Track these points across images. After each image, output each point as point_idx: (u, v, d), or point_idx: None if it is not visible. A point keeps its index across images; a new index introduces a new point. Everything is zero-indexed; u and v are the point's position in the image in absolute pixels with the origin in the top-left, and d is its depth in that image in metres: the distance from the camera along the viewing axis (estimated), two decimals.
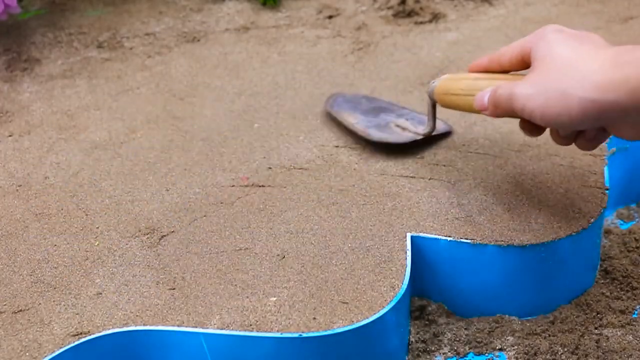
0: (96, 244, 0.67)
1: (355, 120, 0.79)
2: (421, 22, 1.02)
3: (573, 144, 0.62)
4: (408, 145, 0.75)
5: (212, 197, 0.72)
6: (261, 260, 0.65)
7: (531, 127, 0.62)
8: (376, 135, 0.76)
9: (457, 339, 0.66)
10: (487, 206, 0.68)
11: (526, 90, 0.56)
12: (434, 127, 0.73)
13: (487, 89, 0.62)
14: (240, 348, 0.59)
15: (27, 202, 0.73)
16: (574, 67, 0.54)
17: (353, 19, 1.04)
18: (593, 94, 0.52)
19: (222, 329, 0.58)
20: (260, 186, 0.73)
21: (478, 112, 0.63)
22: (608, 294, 0.70)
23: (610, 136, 0.60)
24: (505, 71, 0.63)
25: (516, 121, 0.62)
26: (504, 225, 0.66)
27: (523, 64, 0.61)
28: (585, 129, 0.58)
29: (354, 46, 0.97)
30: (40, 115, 0.86)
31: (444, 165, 0.74)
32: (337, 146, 0.78)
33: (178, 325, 0.59)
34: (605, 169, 0.72)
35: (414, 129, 0.77)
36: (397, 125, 0.78)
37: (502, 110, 0.59)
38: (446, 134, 0.77)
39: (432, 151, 0.76)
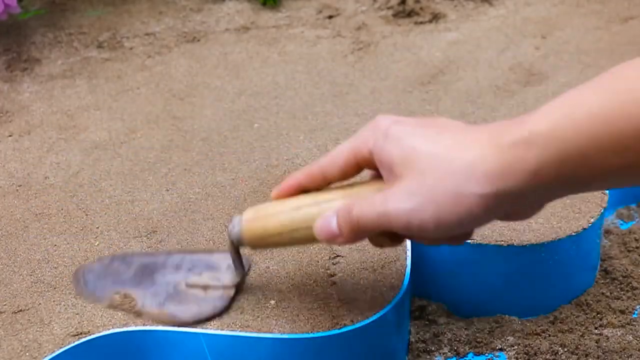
0: (96, 244, 0.67)
1: (139, 302, 0.60)
2: (421, 22, 1.02)
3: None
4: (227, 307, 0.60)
5: (212, 197, 0.72)
6: (261, 260, 0.65)
7: (393, 238, 0.52)
8: (180, 313, 0.59)
9: (457, 339, 0.66)
10: None
11: (405, 204, 0.47)
12: (244, 270, 0.60)
13: (326, 213, 0.51)
14: (240, 349, 0.59)
15: (27, 202, 0.73)
16: (451, 161, 0.46)
17: (353, 19, 1.04)
18: (490, 186, 0.44)
19: (222, 330, 0.58)
20: (260, 186, 0.73)
21: (324, 242, 0.52)
22: (608, 294, 0.70)
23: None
24: (329, 183, 0.53)
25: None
26: (504, 225, 0.66)
27: (358, 170, 0.52)
28: (485, 224, 0.49)
29: (354, 46, 0.97)
30: (40, 115, 0.86)
31: None
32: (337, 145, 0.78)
33: (178, 326, 0.59)
34: None
35: (217, 283, 0.61)
36: (191, 285, 0.61)
37: (365, 233, 0.50)
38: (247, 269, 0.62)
39: None
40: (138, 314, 0.59)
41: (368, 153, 0.50)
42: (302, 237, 0.53)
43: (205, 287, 0.60)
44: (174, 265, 0.63)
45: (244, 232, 0.54)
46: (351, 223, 0.50)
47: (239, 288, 0.60)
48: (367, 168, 0.52)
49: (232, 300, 0.60)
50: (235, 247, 0.57)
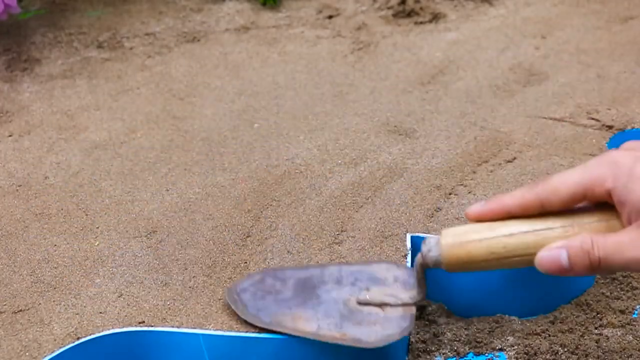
0: (96, 244, 0.67)
1: (314, 324, 0.57)
2: (421, 22, 1.02)
3: None
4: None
5: (212, 197, 0.72)
6: (261, 260, 0.65)
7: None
8: (365, 336, 0.56)
9: (457, 339, 0.66)
10: None
11: None
12: (425, 291, 0.57)
13: (552, 245, 0.49)
14: (240, 349, 0.59)
15: (27, 202, 0.73)
16: None
17: (353, 19, 1.04)
18: None
19: (221, 330, 0.58)
20: (259, 186, 0.73)
21: (546, 272, 0.50)
22: (608, 294, 0.70)
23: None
24: (540, 212, 0.51)
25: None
26: None
27: (582, 201, 0.50)
28: None
29: (354, 46, 0.97)
30: (40, 115, 0.86)
31: (444, 157, 0.74)
32: (337, 145, 0.78)
33: (177, 326, 0.59)
34: None
35: (393, 300, 0.57)
36: (364, 303, 0.57)
37: (603, 272, 0.49)
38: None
39: None
40: (316, 337, 0.56)
41: (604, 192, 0.49)
42: (513, 264, 0.51)
43: (381, 305, 0.57)
44: (334, 279, 0.59)
45: (445, 257, 0.52)
46: (591, 261, 0.48)
47: (419, 306, 0.58)
48: (589, 202, 0.51)
49: (415, 318, 0.57)
50: (423, 269, 0.55)
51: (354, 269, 0.60)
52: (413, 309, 0.57)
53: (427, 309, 0.68)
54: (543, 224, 0.50)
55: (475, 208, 0.52)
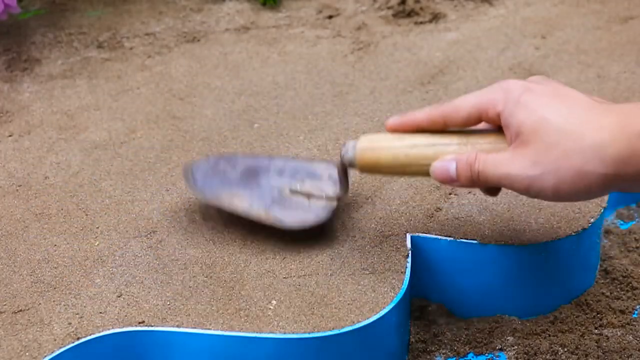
0: (96, 244, 0.67)
1: (246, 203, 0.64)
2: (421, 22, 1.02)
3: None
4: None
5: None
6: (261, 260, 0.65)
7: (495, 191, 0.60)
8: (286, 218, 0.63)
9: (457, 339, 0.66)
10: (487, 206, 0.68)
11: (529, 171, 0.51)
12: (348, 186, 0.63)
13: (445, 157, 0.56)
14: (241, 349, 0.59)
15: (27, 202, 0.73)
16: (580, 139, 0.50)
17: (353, 19, 1.04)
18: (613, 169, 0.49)
19: (222, 330, 0.58)
20: None
21: (437, 181, 0.58)
22: (608, 294, 0.70)
23: None
24: (446, 128, 0.57)
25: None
26: (504, 225, 0.66)
27: (477, 123, 0.56)
28: (594, 198, 0.57)
29: (354, 46, 0.97)
30: (40, 115, 0.86)
31: None
32: (337, 145, 0.78)
33: (178, 326, 0.59)
34: None
35: (320, 193, 0.65)
36: (295, 192, 0.65)
37: (480, 185, 0.56)
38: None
39: None
40: (246, 214, 0.64)
41: (495, 114, 0.54)
42: (412, 172, 0.58)
43: (308, 196, 0.65)
44: (277, 170, 0.67)
45: (358, 159, 0.59)
46: (472, 174, 0.54)
47: (341, 202, 0.65)
48: (487, 123, 0.56)
49: (334, 212, 0.64)
50: (344, 168, 0.61)
51: (298, 164, 0.68)
52: (334, 203, 0.64)
53: (427, 309, 0.68)
54: (442, 140, 0.57)
55: (393, 120, 0.58)
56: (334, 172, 0.65)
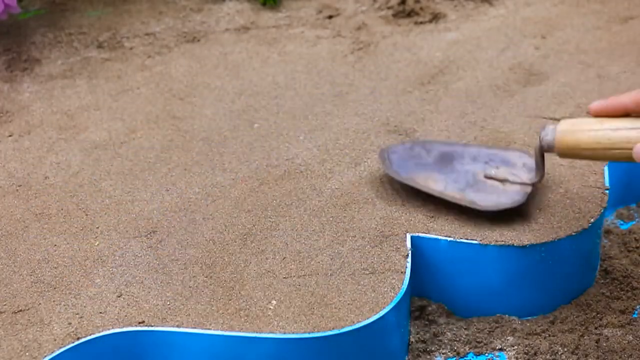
0: (96, 244, 0.67)
1: (441, 185, 0.69)
2: (421, 22, 1.02)
3: None
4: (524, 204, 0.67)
5: (212, 197, 0.72)
6: (261, 260, 0.65)
7: None
8: (480, 200, 0.67)
9: (457, 339, 0.66)
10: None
11: None
12: (544, 173, 0.65)
13: None
14: (241, 349, 0.59)
15: (27, 202, 0.73)
16: None
17: (353, 19, 1.04)
18: None
19: (222, 330, 0.58)
20: (259, 186, 0.73)
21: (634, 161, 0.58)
22: (608, 294, 0.70)
23: None
24: (624, 114, 0.59)
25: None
26: (504, 225, 0.66)
27: None
28: None
29: (354, 46, 0.97)
30: (40, 115, 0.86)
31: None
32: (337, 145, 0.78)
33: (177, 326, 0.59)
34: (605, 169, 0.72)
35: (514, 178, 0.68)
36: (490, 177, 0.69)
37: None
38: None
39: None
40: (441, 195, 0.68)
41: None
42: (614, 156, 0.58)
43: (503, 181, 0.68)
44: (472, 156, 0.72)
45: (558, 141, 0.60)
46: None
47: (536, 187, 0.68)
48: None
49: (529, 196, 0.67)
50: (542, 152, 0.63)
51: (491, 152, 0.72)
52: (529, 188, 0.67)
53: (427, 309, 0.68)
54: (635, 124, 0.57)
55: (597, 104, 0.59)
56: (528, 161, 0.70)
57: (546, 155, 0.64)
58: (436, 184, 0.69)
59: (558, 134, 0.60)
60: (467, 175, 0.70)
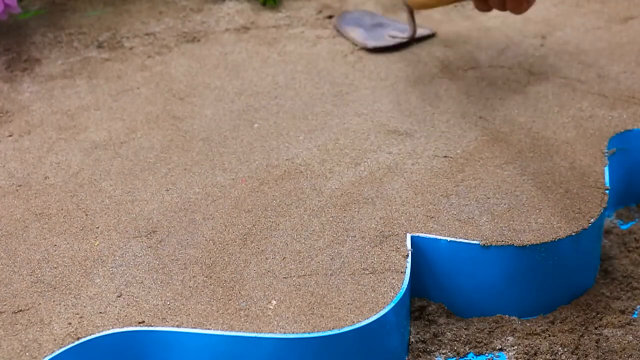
0: (96, 244, 0.67)
1: (356, 35, 0.97)
2: (421, 22, 1.02)
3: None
4: (395, 47, 0.94)
5: (212, 197, 0.72)
6: (261, 260, 0.65)
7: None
8: (371, 44, 0.94)
9: (457, 339, 0.66)
10: (488, 206, 0.68)
11: None
12: (414, 30, 0.93)
13: None
14: (241, 349, 0.59)
15: (27, 202, 0.73)
16: None
17: None
18: None
19: (222, 330, 0.58)
20: (259, 186, 0.73)
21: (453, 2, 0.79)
22: (608, 294, 0.70)
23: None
24: None
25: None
26: (504, 225, 0.66)
27: None
28: None
29: (354, 46, 0.97)
30: (40, 115, 0.86)
31: (445, 157, 0.74)
32: (337, 145, 0.78)
33: (178, 326, 0.59)
34: (605, 169, 0.72)
35: (401, 35, 0.95)
36: (389, 35, 0.96)
37: None
38: (430, 36, 0.96)
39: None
40: (353, 41, 0.97)
41: None
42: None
43: (393, 37, 0.95)
44: (395, 27, 0.98)
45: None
46: None
47: (410, 39, 0.94)
48: None
49: (401, 45, 0.95)
50: (410, 10, 0.91)
51: (406, 27, 0.97)
52: (403, 40, 0.95)
53: (427, 309, 0.68)
54: None
55: None
56: (425, 31, 0.98)
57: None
58: (353, 33, 0.97)
59: None
60: (377, 35, 0.96)
